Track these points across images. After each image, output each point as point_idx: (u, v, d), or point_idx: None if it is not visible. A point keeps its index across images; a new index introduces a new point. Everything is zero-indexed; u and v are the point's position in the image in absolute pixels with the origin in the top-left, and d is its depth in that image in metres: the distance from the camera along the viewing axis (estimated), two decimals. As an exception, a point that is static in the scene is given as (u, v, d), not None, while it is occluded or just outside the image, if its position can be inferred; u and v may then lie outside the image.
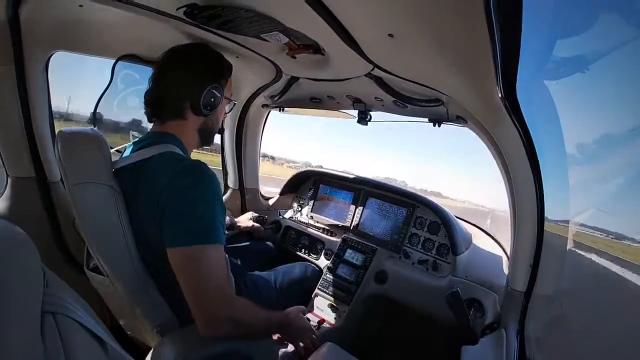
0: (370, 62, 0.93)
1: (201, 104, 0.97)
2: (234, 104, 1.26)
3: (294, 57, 1.06)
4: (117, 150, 1.10)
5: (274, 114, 1.92)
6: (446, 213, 1.59)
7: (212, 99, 0.99)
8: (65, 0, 0.95)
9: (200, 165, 0.88)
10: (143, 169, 0.89)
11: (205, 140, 1.08)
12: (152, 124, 1.03)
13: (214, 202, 0.86)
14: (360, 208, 1.84)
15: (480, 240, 1.66)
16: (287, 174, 2.21)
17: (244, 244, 1.74)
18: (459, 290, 1.16)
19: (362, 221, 1.83)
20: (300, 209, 2.09)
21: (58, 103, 1.25)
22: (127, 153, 1.00)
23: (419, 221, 1.66)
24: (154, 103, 0.99)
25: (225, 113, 1.13)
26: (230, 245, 1.56)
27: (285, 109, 1.77)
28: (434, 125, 1.33)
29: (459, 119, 1.21)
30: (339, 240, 1.74)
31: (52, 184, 1.18)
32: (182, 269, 0.82)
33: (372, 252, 1.59)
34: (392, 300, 1.53)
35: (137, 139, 1.03)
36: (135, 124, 1.66)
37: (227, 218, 1.63)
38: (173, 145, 0.94)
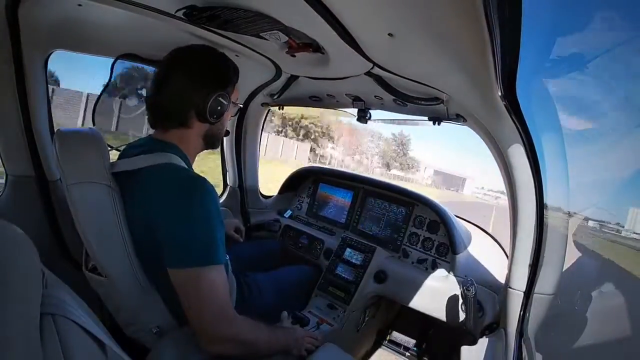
0: (370, 60, 0.93)
1: (207, 113, 0.93)
2: (240, 107, 1.23)
3: (294, 56, 1.06)
4: (116, 149, 1.09)
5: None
6: (446, 212, 1.59)
7: (219, 107, 0.95)
8: None
9: (198, 182, 0.85)
10: (141, 177, 0.87)
11: (210, 145, 1.05)
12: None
13: (214, 221, 0.83)
14: (360, 207, 1.84)
15: (480, 240, 1.66)
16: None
17: (245, 243, 1.74)
18: (473, 280, 1.16)
19: (361, 220, 1.83)
20: (299, 207, 2.09)
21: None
22: (125, 156, 0.97)
23: (419, 220, 1.66)
24: (157, 110, 0.96)
25: (231, 117, 1.10)
26: (231, 246, 1.56)
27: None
28: (434, 123, 1.33)
29: (459, 117, 1.21)
30: (338, 239, 1.73)
31: (52, 183, 1.18)
32: (183, 290, 0.81)
33: (372, 252, 1.59)
34: (392, 299, 1.53)
35: (136, 140, 1.02)
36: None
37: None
38: (173, 155, 0.91)
